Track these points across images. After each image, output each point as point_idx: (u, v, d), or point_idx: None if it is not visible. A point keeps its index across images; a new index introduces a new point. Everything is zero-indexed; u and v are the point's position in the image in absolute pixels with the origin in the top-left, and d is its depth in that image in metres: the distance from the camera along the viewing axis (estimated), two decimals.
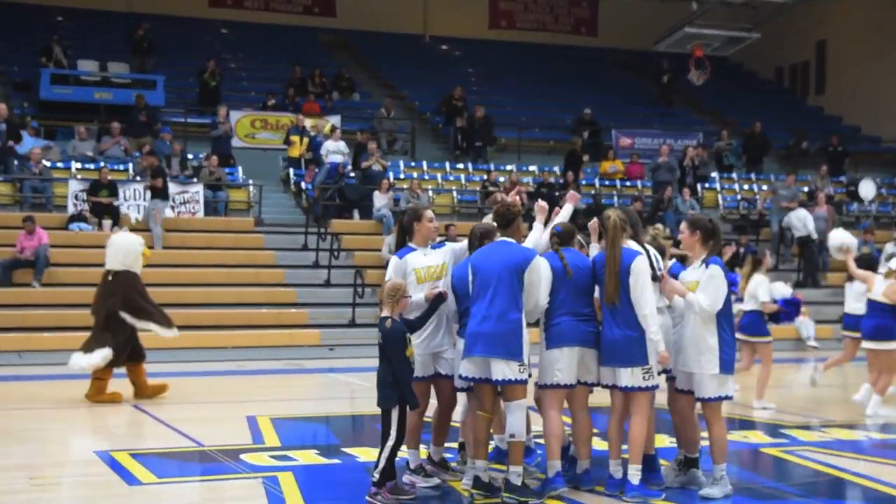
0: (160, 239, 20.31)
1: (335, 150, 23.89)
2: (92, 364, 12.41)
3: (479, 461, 7.81)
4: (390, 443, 7.65)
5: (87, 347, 12.55)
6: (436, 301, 7.87)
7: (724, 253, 21.68)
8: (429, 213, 8.34)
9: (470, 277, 7.71)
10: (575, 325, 7.84)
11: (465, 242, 8.48)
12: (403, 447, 7.86)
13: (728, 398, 7.87)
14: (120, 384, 12.91)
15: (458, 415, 8.48)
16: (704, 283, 7.74)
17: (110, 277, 12.74)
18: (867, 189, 27.27)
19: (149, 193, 20.90)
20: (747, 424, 11.55)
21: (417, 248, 8.23)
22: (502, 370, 7.57)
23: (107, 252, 12.94)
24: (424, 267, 8.10)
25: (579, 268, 7.90)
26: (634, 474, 7.75)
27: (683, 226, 8.06)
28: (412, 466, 8.27)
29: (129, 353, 12.75)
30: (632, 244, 8.00)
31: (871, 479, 8.58)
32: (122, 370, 12.93)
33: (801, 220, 23.64)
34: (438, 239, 8.61)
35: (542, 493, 7.76)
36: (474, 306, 7.65)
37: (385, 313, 7.72)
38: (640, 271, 7.69)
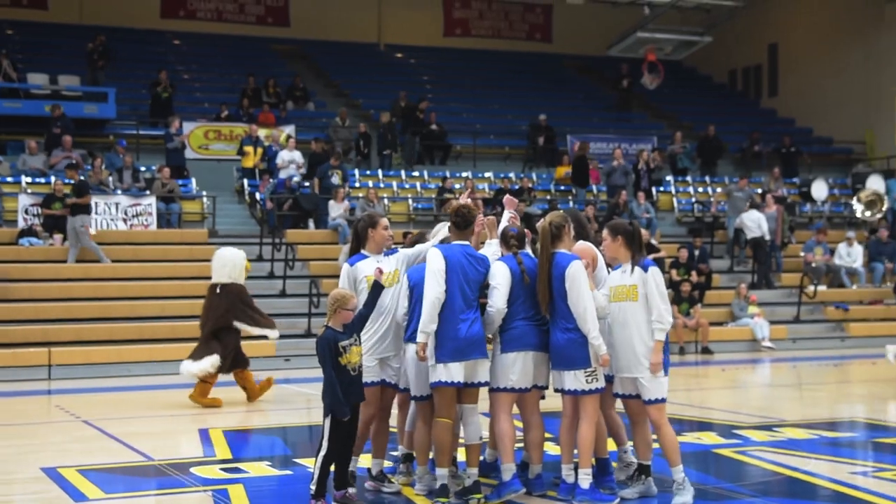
0: (98, 251, 20.00)
1: (290, 160, 23.79)
2: (202, 370, 13.23)
3: (442, 469, 7.77)
4: (322, 452, 7.60)
5: (197, 355, 13.36)
6: (376, 288, 7.81)
7: (681, 256, 21.92)
8: (384, 221, 8.32)
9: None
10: (531, 330, 7.82)
11: (417, 247, 8.44)
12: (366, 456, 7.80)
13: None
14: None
15: (393, 421, 8.43)
16: (652, 290, 7.71)
17: (218, 290, 13.49)
18: (820, 190, 27.52)
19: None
20: (700, 426, 11.56)
21: (370, 256, 8.19)
22: (485, 373, 7.74)
23: (213, 266, 13.73)
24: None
25: (535, 272, 7.87)
26: (584, 478, 7.71)
27: (605, 232, 8.03)
28: (374, 473, 8.25)
29: (234, 361, 13.57)
30: (580, 245, 7.99)
31: (822, 478, 8.60)
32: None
33: (755, 222, 23.79)
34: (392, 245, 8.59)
35: (500, 495, 7.72)
36: (449, 311, 7.65)
37: (326, 321, 7.68)
38: (574, 275, 7.67)
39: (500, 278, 7.79)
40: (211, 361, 13.20)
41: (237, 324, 13.51)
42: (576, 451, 7.82)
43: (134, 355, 18.03)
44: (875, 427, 11.52)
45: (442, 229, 8.44)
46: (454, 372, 7.65)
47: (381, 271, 7.89)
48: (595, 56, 34.86)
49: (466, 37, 35.59)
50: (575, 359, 7.71)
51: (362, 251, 8.24)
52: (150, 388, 16.15)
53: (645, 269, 7.79)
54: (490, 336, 7.87)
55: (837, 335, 22.87)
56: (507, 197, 8.61)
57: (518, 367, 7.80)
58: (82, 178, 21.16)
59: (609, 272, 8.13)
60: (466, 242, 7.93)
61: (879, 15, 31.64)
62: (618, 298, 7.83)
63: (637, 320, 7.75)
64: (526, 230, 8.29)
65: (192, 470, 9.16)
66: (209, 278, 20.42)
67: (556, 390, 7.91)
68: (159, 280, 20.20)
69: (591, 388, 7.74)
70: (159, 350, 18.09)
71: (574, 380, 7.72)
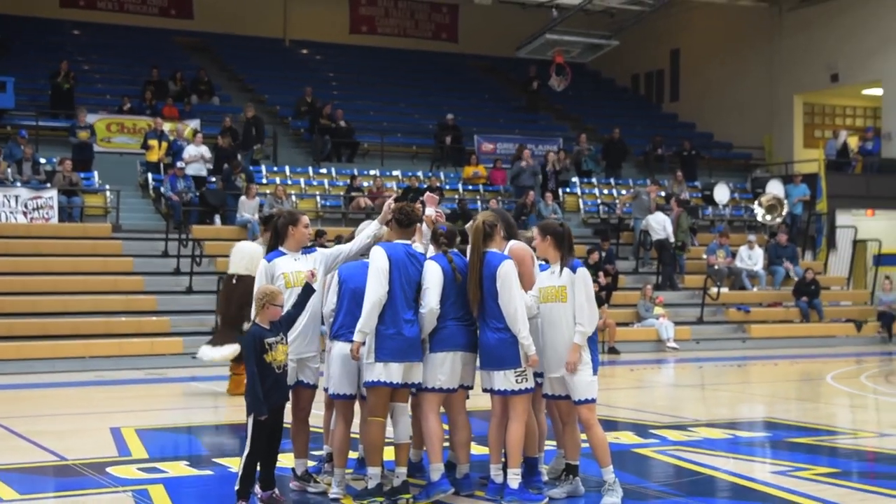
0: None
1: (197, 155, 23.41)
2: (223, 356, 13.76)
3: (374, 468, 7.69)
4: (245, 452, 7.47)
5: (217, 342, 13.89)
6: (307, 290, 7.71)
7: (592, 258, 22.12)
8: (305, 219, 8.24)
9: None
10: (460, 330, 7.78)
11: (336, 248, 8.38)
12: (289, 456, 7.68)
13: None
14: None
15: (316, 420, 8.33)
16: (581, 290, 7.73)
17: (234, 281, 13.75)
18: (722, 193, 28.04)
19: None
20: (614, 425, 11.64)
21: (288, 253, 8.08)
22: (420, 374, 7.70)
23: (231, 258, 14.06)
24: (294, 272, 7.94)
25: (464, 272, 7.82)
26: (513, 478, 7.69)
27: (535, 231, 8.04)
28: (298, 473, 8.14)
29: None
30: (516, 245, 7.98)
31: (745, 479, 8.71)
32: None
33: (661, 224, 24.15)
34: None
35: (429, 495, 7.67)
36: (391, 311, 7.58)
37: (253, 318, 7.54)
38: (505, 275, 7.66)
39: (433, 278, 7.72)
40: (233, 349, 13.41)
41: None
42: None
43: (36, 352, 17.58)
44: (786, 427, 11.73)
45: (366, 228, 8.35)
46: (393, 372, 7.57)
47: (312, 273, 7.79)
48: (500, 57, 35.06)
49: (373, 34, 35.48)
50: (505, 358, 7.68)
51: (280, 248, 8.13)
52: (53, 385, 15.74)
53: (573, 269, 7.80)
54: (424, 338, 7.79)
55: (739, 336, 23.34)
56: (428, 194, 8.54)
57: (447, 368, 7.75)
58: None
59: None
60: (409, 242, 7.86)
61: (778, 23, 32.36)
62: (547, 300, 7.82)
63: (567, 321, 7.75)
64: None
65: (109, 470, 8.93)
66: (112, 273, 20.28)
67: (485, 390, 7.87)
68: (61, 275, 19.72)
69: (521, 388, 7.72)
70: (62, 347, 17.71)
71: (504, 380, 7.70)
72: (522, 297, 7.71)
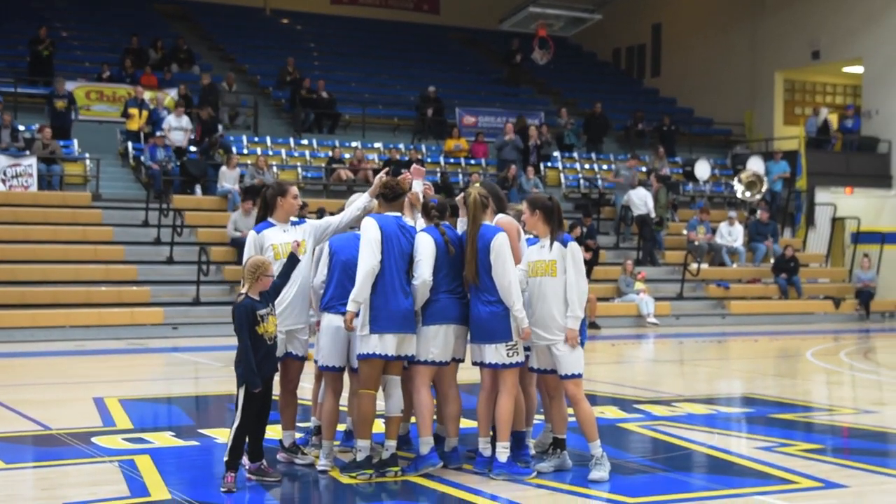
0: None
1: (178, 127, 23.24)
2: None
3: (364, 441, 7.68)
4: (236, 423, 7.44)
5: None
6: (292, 260, 7.69)
7: (575, 233, 22.14)
8: (294, 190, 8.16)
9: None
10: (452, 303, 7.77)
11: (326, 219, 8.35)
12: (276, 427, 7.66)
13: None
14: None
15: (303, 393, 8.32)
16: (571, 266, 7.74)
17: None
18: (702, 170, 28.09)
19: None
20: (596, 400, 11.67)
21: (277, 224, 8.03)
22: (413, 346, 7.69)
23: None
24: (283, 243, 7.89)
25: (457, 244, 7.80)
26: (502, 451, 7.71)
27: (524, 205, 8.02)
28: (286, 445, 8.13)
29: None
30: (503, 218, 7.97)
31: (730, 454, 8.77)
32: None
33: (642, 199, 24.20)
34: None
35: (417, 468, 7.67)
36: (384, 282, 7.56)
37: (243, 289, 7.50)
38: (500, 247, 7.65)
39: (426, 250, 7.70)
40: None
41: None
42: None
43: (15, 320, 17.51)
44: (767, 403, 11.80)
45: (356, 200, 8.31)
46: (388, 344, 7.56)
47: (297, 244, 7.75)
48: (481, 29, 34.97)
49: (354, 5, 35.29)
50: (496, 332, 7.68)
51: (269, 219, 8.08)
52: (34, 354, 15.69)
53: (564, 244, 7.80)
54: (417, 310, 7.78)
55: (718, 312, 23.46)
56: (414, 167, 8.47)
57: (440, 341, 7.75)
58: None
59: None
60: (398, 213, 7.83)
61: None
62: (536, 273, 7.81)
63: (556, 295, 7.75)
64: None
65: (94, 440, 8.91)
66: (93, 243, 20.16)
67: (475, 363, 7.87)
68: (41, 244, 19.61)
69: (512, 361, 7.73)
70: (42, 315, 17.66)
71: (495, 353, 7.70)
72: (514, 269, 7.72)
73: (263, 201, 8.19)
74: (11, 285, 18.46)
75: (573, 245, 7.83)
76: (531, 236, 8.16)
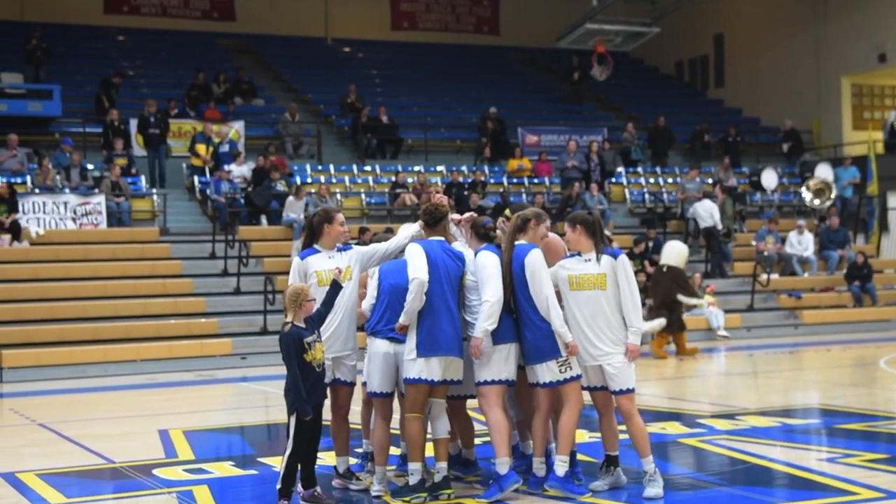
0: None
1: (239, 175, 23.48)
2: (651, 328, 17.64)
3: (416, 464, 7.69)
4: (287, 451, 7.50)
5: (649, 318, 17.61)
6: (335, 287, 7.71)
7: (638, 248, 21.96)
8: (340, 217, 8.20)
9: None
10: (513, 322, 7.76)
11: (373, 246, 8.35)
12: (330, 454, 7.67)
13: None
14: None
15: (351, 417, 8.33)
16: (624, 279, 7.67)
17: (665, 269, 18.16)
18: (769, 179, 27.71)
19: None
20: (664, 416, 11.56)
21: (322, 251, 8.06)
22: (459, 371, 7.75)
23: (664, 251, 18.87)
24: (327, 270, 7.91)
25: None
26: (560, 465, 7.66)
27: (566, 226, 7.97)
28: (340, 471, 8.16)
29: (676, 325, 18.15)
30: (552, 237, 7.99)
31: (792, 466, 8.63)
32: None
33: (708, 211, 23.93)
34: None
35: (503, 488, 7.59)
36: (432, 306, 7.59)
37: (288, 318, 7.54)
38: (533, 264, 7.63)
39: (492, 268, 7.67)
40: (659, 322, 17.83)
41: (680, 297, 17.98)
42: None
43: (87, 356, 17.75)
44: (835, 413, 11.59)
45: (405, 230, 8.32)
46: (433, 369, 7.57)
47: (339, 270, 7.78)
48: (541, 48, 34.94)
49: (414, 30, 35.44)
50: (544, 350, 7.65)
51: (315, 246, 8.11)
52: (104, 389, 15.91)
53: (615, 256, 7.75)
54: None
55: (791, 323, 23.06)
56: (434, 194, 8.59)
57: (512, 359, 7.75)
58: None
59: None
60: (441, 238, 7.85)
61: (824, 4, 31.92)
62: (582, 286, 7.71)
63: (609, 308, 7.69)
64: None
65: (155, 472, 9.02)
66: (161, 277, 20.44)
67: (532, 385, 7.82)
68: (110, 279, 19.91)
69: (567, 376, 7.68)
70: (113, 350, 17.88)
71: (548, 371, 7.66)
72: (551, 285, 7.67)
73: (310, 228, 8.24)
74: (84, 321, 18.75)
75: (623, 258, 7.79)
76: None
